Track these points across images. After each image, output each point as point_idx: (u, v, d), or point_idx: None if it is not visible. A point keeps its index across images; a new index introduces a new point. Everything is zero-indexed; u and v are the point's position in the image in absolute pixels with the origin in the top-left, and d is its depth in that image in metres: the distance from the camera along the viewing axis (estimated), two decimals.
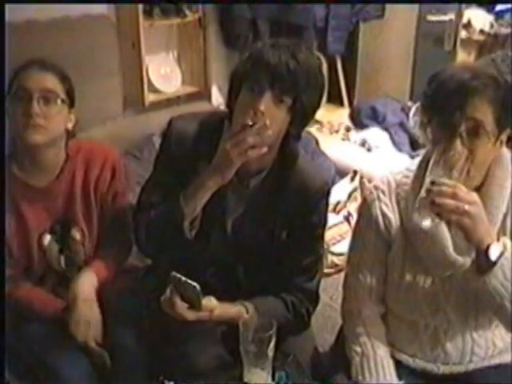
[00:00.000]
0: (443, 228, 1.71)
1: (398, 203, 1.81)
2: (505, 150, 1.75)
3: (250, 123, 1.71)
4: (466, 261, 1.70)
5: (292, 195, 1.91)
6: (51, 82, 2.01)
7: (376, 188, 1.86)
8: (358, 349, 1.81)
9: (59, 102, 2.00)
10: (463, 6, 4.47)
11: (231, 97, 1.84)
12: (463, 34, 4.77)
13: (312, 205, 1.94)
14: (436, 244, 1.72)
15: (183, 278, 1.69)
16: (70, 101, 2.06)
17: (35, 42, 3.17)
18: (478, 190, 1.69)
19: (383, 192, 1.84)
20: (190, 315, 1.75)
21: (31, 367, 2.04)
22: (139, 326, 2.04)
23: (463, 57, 4.75)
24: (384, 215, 1.82)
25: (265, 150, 1.76)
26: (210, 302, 1.77)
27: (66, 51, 3.07)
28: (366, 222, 1.87)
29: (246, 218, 1.94)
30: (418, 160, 1.82)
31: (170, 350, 1.96)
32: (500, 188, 1.71)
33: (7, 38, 2.90)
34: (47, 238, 2.10)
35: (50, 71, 2.02)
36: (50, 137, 1.99)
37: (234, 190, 1.91)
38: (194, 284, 1.68)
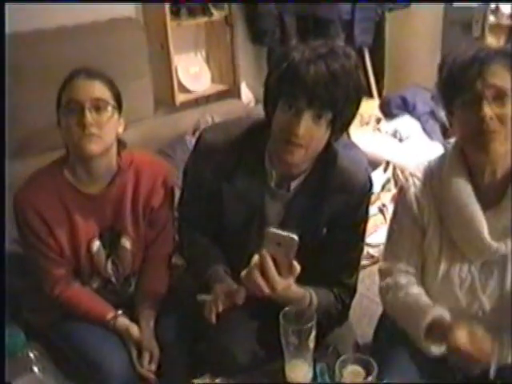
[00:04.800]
0: (478, 212, 1.70)
1: (432, 189, 1.82)
2: None
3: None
4: (500, 246, 1.70)
5: (335, 194, 1.90)
6: (100, 89, 1.99)
7: (412, 175, 1.88)
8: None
9: (110, 108, 1.99)
10: None
11: (268, 107, 1.83)
12: (491, 19, 4.71)
13: (357, 202, 1.95)
14: (471, 228, 1.72)
15: (280, 232, 1.62)
16: (119, 105, 2.05)
17: (65, 48, 3.20)
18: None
19: (418, 179, 1.85)
20: (279, 283, 1.64)
21: (72, 362, 2.10)
22: (178, 320, 2.09)
23: (492, 42, 4.69)
24: (419, 202, 1.82)
25: (306, 165, 1.85)
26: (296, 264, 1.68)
27: (95, 56, 3.08)
28: (402, 209, 1.88)
29: (288, 220, 1.93)
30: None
31: (203, 344, 2.01)
32: None
33: (38, 45, 2.95)
34: (96, 244, 2.11)
35: (96, 79, 2.00)
36: (104, 145, 1.98)
37: (272, 196, 1.93)
38: (293, 236, 1.61)
